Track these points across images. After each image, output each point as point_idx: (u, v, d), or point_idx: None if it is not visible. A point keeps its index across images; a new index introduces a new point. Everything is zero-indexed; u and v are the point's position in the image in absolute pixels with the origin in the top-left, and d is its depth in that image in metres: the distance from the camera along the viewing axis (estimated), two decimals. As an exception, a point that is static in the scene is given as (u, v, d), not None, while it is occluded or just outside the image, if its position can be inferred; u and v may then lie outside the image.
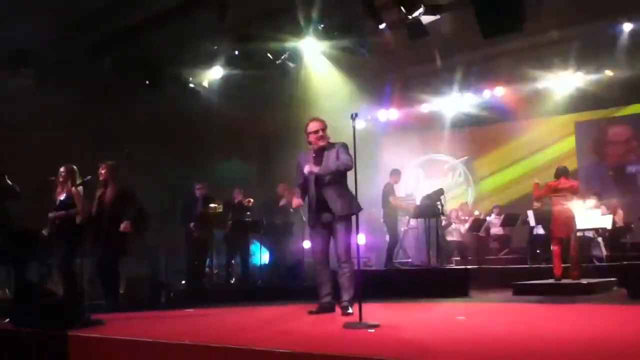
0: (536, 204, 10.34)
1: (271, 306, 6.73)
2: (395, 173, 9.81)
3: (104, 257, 6.56)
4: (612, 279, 7.66)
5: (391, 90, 12.88)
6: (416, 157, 14.83)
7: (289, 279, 9.60)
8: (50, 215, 6.64)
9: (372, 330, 3.77)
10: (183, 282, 9.83)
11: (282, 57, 10.20)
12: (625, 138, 12.40)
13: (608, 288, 7.48)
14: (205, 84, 11.30)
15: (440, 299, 6.71)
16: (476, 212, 12.28)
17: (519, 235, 11.54)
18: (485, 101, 12.59)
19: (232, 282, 10.22)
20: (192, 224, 9.33)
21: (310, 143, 5.25)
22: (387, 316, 4.71)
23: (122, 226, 6.56)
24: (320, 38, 9.67)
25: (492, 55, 11.32)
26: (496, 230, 11.81)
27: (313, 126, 5.23)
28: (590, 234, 9.49)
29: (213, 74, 11.01)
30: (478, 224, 10.90)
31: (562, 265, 7.66)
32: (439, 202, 8.94)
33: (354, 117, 4.75)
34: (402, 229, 10.80)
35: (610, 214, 9.82)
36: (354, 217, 5.01)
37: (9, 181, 6.70)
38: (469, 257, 10.80)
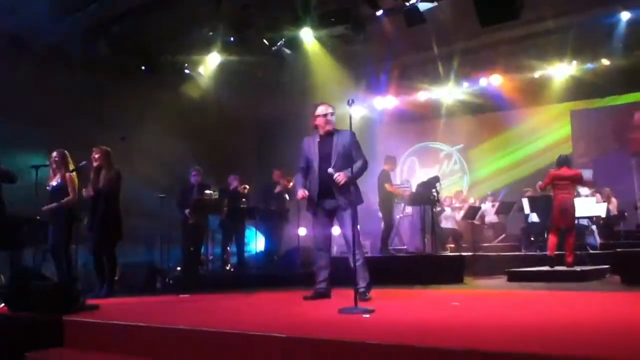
0: (528, 191, 10.40)
1: (266, 292, 6.75)
2: (391, 160, 9.81)
3: (99, 243, 6.54)
4: (605, 266, 7.72)
5: (388, 78, 12.84)
6: (412, 145, 14.84)
7: (284, 265, 9.63)
8: (43, 208, 6.64)
9: (367, 316, 3.79)
10: (178, 268, 9.84)
11: (279, 44, 10.15)
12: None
13: (601, 275, 7.54)
14: (202, 70, 11.24)
15: (435, 285, 6.75)
16: (471, 200, 12.32)
17: (514, 223, 11.59)
18: (482, 89, 12.57)
19: (228, 268, 10.25)
20: (187, 211, 9.32)
21: (316, 127, 5.22)
22: (382, 302, 4.72)
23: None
24: (317, 25, 9.61)
25: (489, 44, 11.28)
26: (491, 217, 11.86)
27: (322, 109, 5.19)
28: (584, 222, 9.54)
29: (209, 60, 10.95)
30: (473, 212, 10.92)
31: (557, 252, 7.71)
32: (434, 190, 8.95)
33: (350, 103, 4.73)
34: (398, 216, 10.82)
35: (604, 202, 9.87)
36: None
37: (2, 166, 6.67)
38: (464, 244, 10.84)
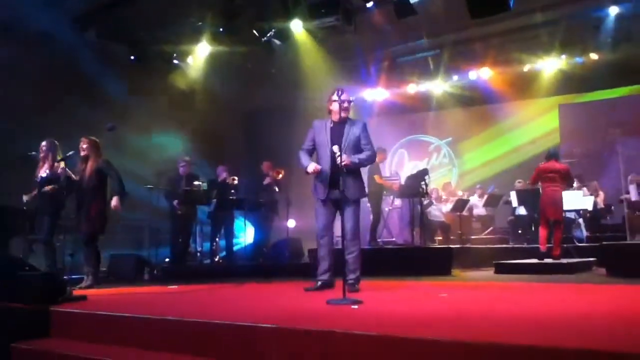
0: (520, 182, 10.46)
1: (255, 283, 6.75)
2: (380, 152, 9.80)
3: (85, 233, 6.50)
4: (592, 258, 7.79)
5: (378, 69, 12.83)
6: (401, 137, 14.86)
7: (273, 257, 9.64)
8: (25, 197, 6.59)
9: (355, 307, 3.80)
10: (167, 259, 9.82)
11: (268, 35, 10.09)
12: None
13: (588, 267, 7.61)
14: (191, 60, 11.17)
15: (423, 277, 6.78)
16: (459, 193, 12.37)
17: (502, 215, 11.66)
18: (471, 82, 12.59)
19: (217, 259, 10.24)
20: (176, 202, 9.29)
21: (330, 112, 5.16)
22: (370, 293, 4.74)
23: (113, 204, 6.49)
24: (307, 16, 9.56)
25: (479, 37, 11.30)
26: (479, 210, 11.92)
27: (342, 95, 5.08)
28: (571, 215, 9.61)
29: (198, 50, 10.88)
30: (461, 204, 10.97)
31: (547, 245, 7.76)
32: (423, 183, 8.98)
33: (339, 94, 4.72)
34: (387, 209, 10.85)
35: (591, 195, 9.95)
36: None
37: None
38: (452, 237, 10.90)
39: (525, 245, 9.48)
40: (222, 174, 10.11)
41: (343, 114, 5.07)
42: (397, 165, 14.51)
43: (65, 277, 5.39)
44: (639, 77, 11.19)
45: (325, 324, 3.04)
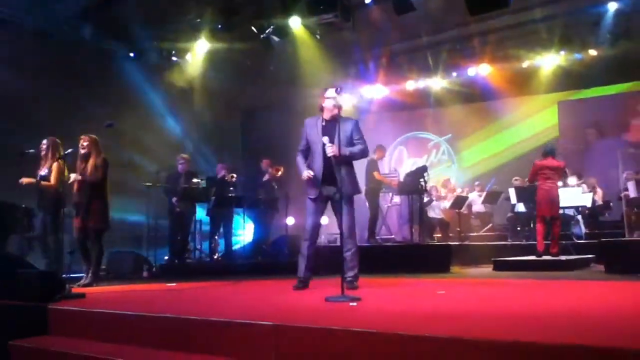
0: (517, 180, 10.46)
1: (254, 281, 6.75)
2: (379, 149, 9.81)
3: (85, 231, 6.49)
4: (590, 255, 7.79)
5: (377, 66, 12.81)
6: (400, 134, 14.86)
7: (272, 254, 9.64)
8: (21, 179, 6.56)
9: (354, 304, 3.80)
10: (165, 257, 9.82)
11: (267, 32, 10.08)
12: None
13: (586, 264, 7.62)
14: (189, 57, 11.15)
15: (422, 275, 6.78)
16: (458, 190, 12.37)
17: (501, 212, 11.67)
18: (470, 79, 12.58)
19: (216, 257, 10.23)
20: (174, 199, 9.28)
21: (322, 109, 5.12)
22: (369, 290, 4.74)
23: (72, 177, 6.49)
24: (306, 12, 9.55)
25: (477, 33, 11.28)
26: (478, 207, 11.92)
27: (333, 92, 5.07)
28: (570, 212, 9.61)
29: (197, 47, 10.86)
30: (460, 201, 10.97)
31: (544, 242, 7.78)
32: (422, 179, 8.97)
33: (338, 91, 4.71)
34: (386, 206, 10.85)
35: (590, 192, 9.95)
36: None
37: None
38: (451, 234, 10.90)
39: (524, 242, 9.49)
40: (221, 172, 10.10)
41: (335, 111, 5.05)
42: (396, 162, 14.52)
43: (64, 275, 5.38)
44: (639, 73, 11.17)
45: (324, 322, 3.04)
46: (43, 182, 6.47)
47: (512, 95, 12.98)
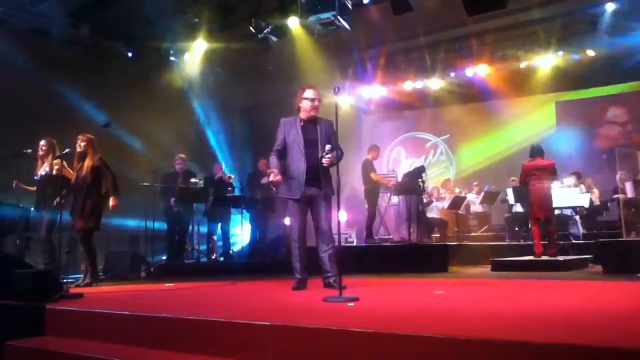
0: (514, 180, 10.47)
1: (251, 280, 6.74)
2: (374, 149, 9.82)
3: (80, 229, 6.47)
4: (588, 256, 7.79)
5: (374, 66, 12.81)
6: (398, 135, 14.86)
7: (270, 254, 9.64)
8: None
9: (352, 304, 3.79)
10: (164, 257, 9.81)
11: (265, 31, 10.07)
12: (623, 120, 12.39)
13: (584, 265, 7.61)
14: (187, 56, 11.14)
15: (420, 274, 6.78)
16: (457, 190, 12.38)
17: (498, 213, 11.68)
18: (468, 79, 12.58)
19: (213, 257, 10.23)
20: (172, 199, 9.27)
21: (299, 110, 5.10)
22: (367, 290, 4.73)
23: (111, 204, 6.49)
24: (303, 12, 9.53)
25: (475, 33, 11.30)
26: (476, 207, 11.93)
27: (311, 93, 5.05)
28: (568, 212, 9.62)
29: (195, 47, 10.84)
30: (458, 202, 10.98)
31: (541, 243, 7.77)
32: (419, 180, 8.98)
33: (336, 91, 4.70)
34: (384, 206, 10.85)
35: (587, 192, 9.97)
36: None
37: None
38: (449, 234, 10.91)
39: (521, 243, 9.50)
40: (219, 172, 10.10)
41: (313, 112, 5.04)
42: (394, 162, 14.52)
43: (61, 275, 5.37)
44: (636, 74, 11.19)
45: (322, 321, 3.04)
46: (67, 172, 6.45)
47: (510, 95, 12.99)
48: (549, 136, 12.55)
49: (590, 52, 11.08)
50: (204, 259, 10.21)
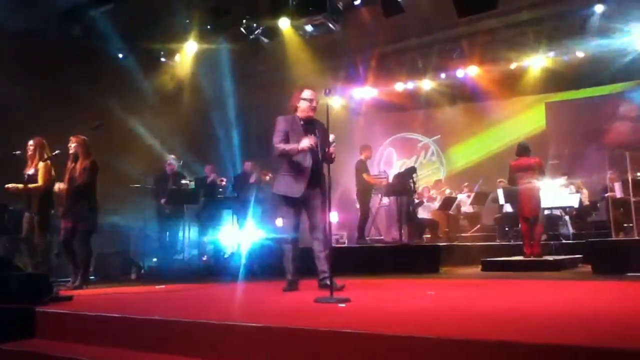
0: (502, 181, 10.52)
1: (242, 282, 6.74)
2: (366, 149, 9.83)
3: (73, 233, 6.44)
4: (577, 256, 7.85)
5: (366, 68, 12.83)
6: (390, 136, 14.90)
7: (261, 256, 9.61)
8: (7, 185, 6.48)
9: (343, 305, 3.80)
10: (154, 259, 9.77)
11: (256, 33, 10.07)
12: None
13: (574, 264, 7.67)
14: (178, 57, 11.11)
15: (411, 275, 6.80)
16: (447, 191, 12.43)
17: (489, 213, 11.73)
18: (459, 80, 12.64)
19: (204, 259, 10.20)
20: (163, 200, 9.24)
21: (296, 110, 5.08)
22: (358, 291, 4.74)
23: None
24: (295, 13, 9.55)
25: (466, 35, 11.35)
26: (466, 208, 11.97)
27: (309, 94, 5.04)
28: (558, 212, 9.68)
29: (186, 48, 10.82)
30: (449, 202, 11.02)
31: (531, 242, 7.81)
32: (410, 180, 9.01)
33: (327, 93, 4.71)
34: (375, 207, 10.87)
35: (577, 192, 10.03)
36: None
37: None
38: (440, 235, 10.94)
39: (512, 243, 9.54)
40: (210, 174, 10.08)
41: (310, 113, 5.04)
42: (386, 163, 14.55)
43: (51, 277, 5.34)
44: (625, 75, 11.28)
45: (313, 323, 3.04)
46: (30, 185, 6.42)
47: (500, 96, 13.06)
48: (539, 136, 12.61)
49: (580, 54, 11.15)
50: (195, 261, 10.18)
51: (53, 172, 6.57)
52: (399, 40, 11.65)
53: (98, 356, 3.37)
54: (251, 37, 10.08)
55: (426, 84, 13.03)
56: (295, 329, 2.92)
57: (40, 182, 6.43)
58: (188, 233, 10.48)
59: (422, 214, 10.99)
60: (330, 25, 9.58)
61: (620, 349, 2.17)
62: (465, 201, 11.95)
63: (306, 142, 4.81)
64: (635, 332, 2.65)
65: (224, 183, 10.06)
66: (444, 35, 11.42)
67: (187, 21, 10.14)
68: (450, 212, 11.33)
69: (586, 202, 10.57)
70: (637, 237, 7.75)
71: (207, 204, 9.73)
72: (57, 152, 6.42)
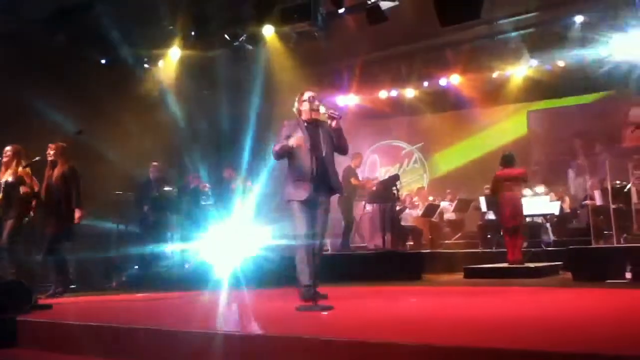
0: (487, 191, 10.60)
1: (226, 291, 6.71)
2: (357, 156, 9.89)
3: (50, 238, 6.36)
4: (558, 263, 7.92)
5: (350, 75, 12.87)
6: (373, 143, 14.94)
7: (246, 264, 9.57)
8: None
9: (326, 313, 3.81)
10: (136, 266, 9.67)
11: (240, 40, 10.07)
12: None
13: (554, 271, 7.75)
14: (161, 64, 11.06)
15: (394, 282, 6.82)
16: (430, 198, 12.48)
17: (472, 220, 11.80)
18: (442, 88, 12.73)
19: (187, 266, 10.11)
20: (146, 207, 9.18)
21: (299, 113, 5.03)
22: (341, 299, 4.75)
23: (76, 216, 6.39)
24: (279, 21, 9.56)
25: (449, 43, 11.45)
26: (449, 215, 12.03)
27: (308, 95, 5.02)
28: (539, 220, 9.78)
29: (170, 55, 10.78)
30: (432, 210, 11.07)
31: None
32: (394, 188, 9.04)
33: (311, 99, 4.72)
34: (359, 214, 10.89)
35: (557, 200, 10.14)
36: None
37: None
38: (424, 242, 10.99)
39: (494, 250, 9.61)
40: (194, 181, 10.03)
41: (314, 115, 5.04)
42: (369, 171, 14.58)
43: (30, 286, 5.27)
44: (604, 84, 11.44)
45: (295, 330, 3.05)
46: (22, 188, 6.32)
47: (483, 104, 13.16)
48: (521, 144, 12.74)
49: (561, 63, 11.30)
50: (177, 269, 10.08)
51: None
52: (383, 49, 11.70)
53: (78, 366, 3.34)
54: (235, 44, 10.06)
55: (410, 92, 13.10)
56: (278, 336, 2.92)
57: (35, 188, 6.37)
58: (171, 240, 10.41)
59: (405, 221, 11.04)
60: (315, 32, 9.61)
61: (598, 354, 2.20)
62: (448, 208, 12.02)
63: (292, 140, 4.78)
64: (613, 338, 2.69)
65: (206, 189, 10.00)
66: (427, 43, 11.50)
67: (171, 27, 10.10)
68: (433, 219, 11.38)
69: (567, 210, 10.69)
70: (616, 245, 7.85)
71: (190, 211, 9.66)
72: (37, 158, 6.35)
